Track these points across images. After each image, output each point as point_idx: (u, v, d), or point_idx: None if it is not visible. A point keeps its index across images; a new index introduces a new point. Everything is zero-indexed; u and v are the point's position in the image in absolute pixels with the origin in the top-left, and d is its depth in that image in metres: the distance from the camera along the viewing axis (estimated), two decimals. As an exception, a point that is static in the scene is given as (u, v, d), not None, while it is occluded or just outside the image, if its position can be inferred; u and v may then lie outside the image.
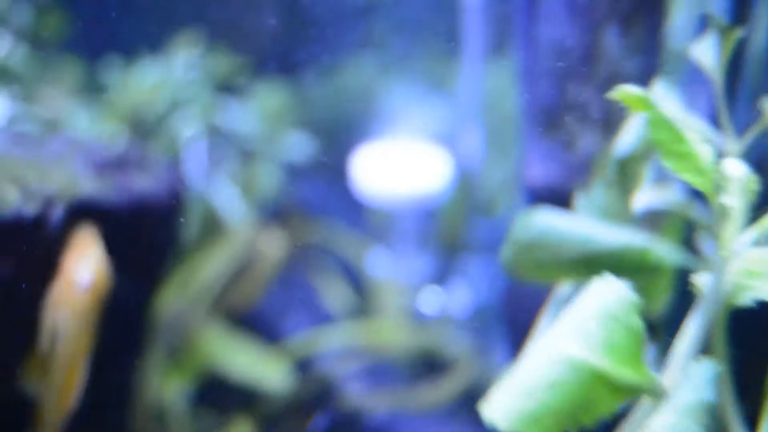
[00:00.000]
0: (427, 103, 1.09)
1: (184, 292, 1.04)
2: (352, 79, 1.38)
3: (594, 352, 0.41)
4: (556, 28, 0.83)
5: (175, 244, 0.93)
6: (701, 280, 0.46)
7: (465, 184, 1.02)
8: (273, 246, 1.05)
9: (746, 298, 0.45)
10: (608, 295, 0.43)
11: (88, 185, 0.80)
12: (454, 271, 1.08)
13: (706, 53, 0.65)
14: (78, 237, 0.77)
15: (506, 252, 0.68)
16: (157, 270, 0.91)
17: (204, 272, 1.05)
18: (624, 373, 0.42)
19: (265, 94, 1.33)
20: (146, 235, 0.87)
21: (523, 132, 0.96)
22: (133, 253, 0.85)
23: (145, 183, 0.88)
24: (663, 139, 0.45)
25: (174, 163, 1.19)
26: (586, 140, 0.86)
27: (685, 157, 0.44)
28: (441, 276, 1.09)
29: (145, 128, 1.12)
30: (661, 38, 0.85)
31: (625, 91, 0.46)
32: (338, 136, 1.54)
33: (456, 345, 1.12)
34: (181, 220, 0.97)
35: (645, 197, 0.74)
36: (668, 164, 0.45)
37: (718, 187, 0.46)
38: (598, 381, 0.42)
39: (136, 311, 0.89)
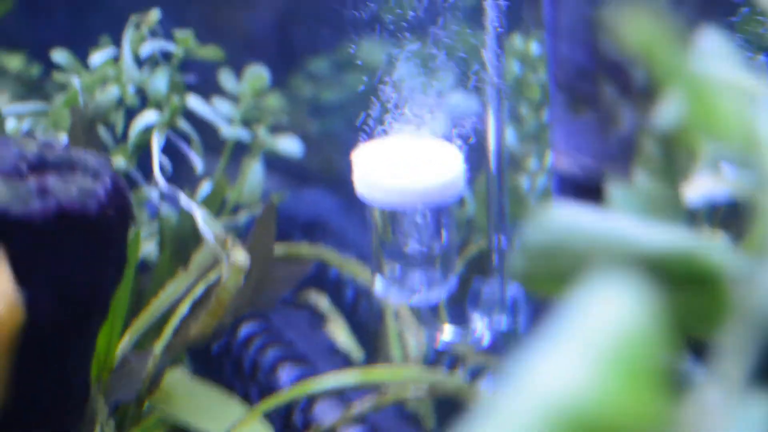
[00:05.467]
0: (441, 87, 1.04)
1: (139, 329, 0.98)
2: (356, 64, 1.33)
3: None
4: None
5: (120, 264, 0.88)
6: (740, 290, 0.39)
7: (490, 182, 0.96)
8: (242, 259, 0.98)
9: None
10: (611, 323, 0.35)
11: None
12: (479, 289, 1.01)
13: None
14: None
15: (519, 260, 0.61)
16: (96, 299, 0.86)
17: (161, 302, 1.00)
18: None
19: (248, 79, 1.28)
20: (78, 255, 0.82)
21: (551, 107, 0.89)
22: (60, 278, 0.78)
23: (76, 189, 0.82)
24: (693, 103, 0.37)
25: (128, 160, 1.15)
26: (628, 115, 0.79)
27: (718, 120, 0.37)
28: (461, 295, 1.03)
29: (93, 123, 1.08)
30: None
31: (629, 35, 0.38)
32: (335, 126, 1.48)
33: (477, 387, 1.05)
34: (131, 234, 0.91)
35: (701, 185, 0.67)
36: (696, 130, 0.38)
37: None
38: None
39: (68, 350, 0.84)
